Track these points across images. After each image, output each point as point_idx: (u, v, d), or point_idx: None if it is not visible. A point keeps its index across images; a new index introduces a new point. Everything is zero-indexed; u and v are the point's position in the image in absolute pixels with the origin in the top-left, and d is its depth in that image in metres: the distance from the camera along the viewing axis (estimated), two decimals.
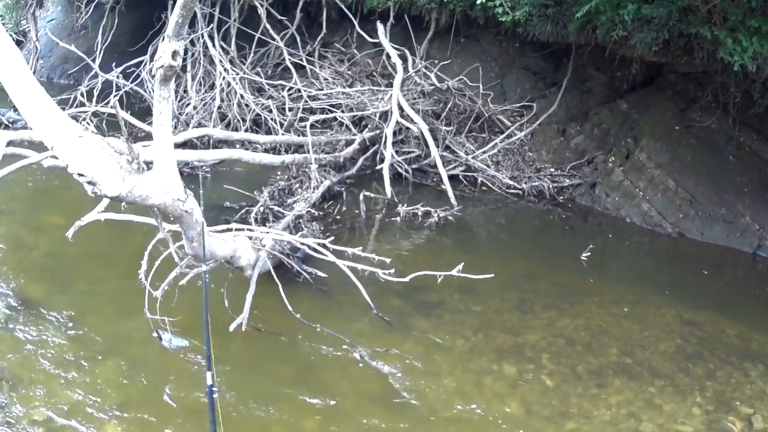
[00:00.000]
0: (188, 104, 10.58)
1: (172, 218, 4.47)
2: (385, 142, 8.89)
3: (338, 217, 7.75)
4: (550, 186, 9.18)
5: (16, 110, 6.90)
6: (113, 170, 3.75)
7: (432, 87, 10.20)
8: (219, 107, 10.34)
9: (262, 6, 11.10)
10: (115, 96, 9.00)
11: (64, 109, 5.14)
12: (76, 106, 9.55)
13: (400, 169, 8.97)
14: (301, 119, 9.79)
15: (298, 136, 9.47)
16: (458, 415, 4.58)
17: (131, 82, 10.49)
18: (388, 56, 10.45)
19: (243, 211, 7.33)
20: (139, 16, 12.11)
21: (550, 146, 9.96)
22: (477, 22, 10.11)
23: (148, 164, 4.17)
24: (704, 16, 6.98)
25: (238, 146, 9.05)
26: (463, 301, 6.05)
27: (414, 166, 9.20)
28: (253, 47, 11.35)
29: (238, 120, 10.16)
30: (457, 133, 9.91)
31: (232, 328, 5.08)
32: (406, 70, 10.03)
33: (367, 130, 9.56)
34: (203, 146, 9.01)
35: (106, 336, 5.06)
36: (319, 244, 5.83)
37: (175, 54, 3.75)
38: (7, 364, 4.62)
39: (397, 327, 5.55)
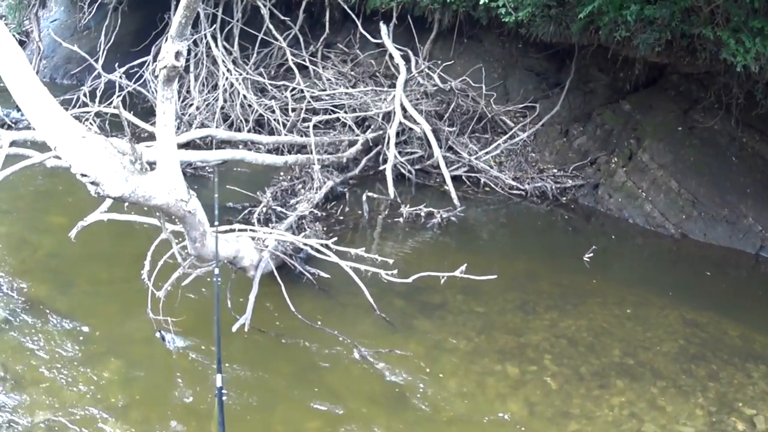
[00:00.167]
0: (191, 105, 10.58)
1: (176, 219, 4.47)
2: (388, 142, 8.88)
3: (341, 217, 7.75)
4: (553, 187, 9.16)
5: (19, 110, 6.93)
6: (116, 171, 3.75)
7: (435, 87, 10.19)
8: (222, 108, 10.33)
9: (265, 6, 11.09)
10: (118, 96, 8.92)
11: (67, 109, 5.16)
12: (79, 107, 9.54)
13: (403, 170, 8.96)
14: (304, 120, 9.77)
15: (301, 136, 9.45)
16: (460, 416, 4.58)
17: (134, 83, 10.49)
18: (391, 57, 10.43)
19: (246, 211, 7.34)
20: (142, 16, 12.12)
21: (553, 147, 9.95)
22: (480, 23, 10.10)
23: (151, 165, 4.17)
24: (707, 17, 6.97)
25: (241, 147, 9.05)
26: (465, 302, 6.05)
27: (417, 166, 9.18)
28: (256, 48, 11.34)
29: (241, 120, 10.15)
30: (460, 134, 9.90)
31: (234, 328, 5.07)
32: (409, 70, 10.00)
33: (370, 130, 9.55)
34: (206, 147, 9.01)
35: (109, 336, 5.08)
36: (321, 244, 5.82)
37: (178, 54, 3.76)
38: (10, 364, 4.63)
39: (399, 328, 5.56)
